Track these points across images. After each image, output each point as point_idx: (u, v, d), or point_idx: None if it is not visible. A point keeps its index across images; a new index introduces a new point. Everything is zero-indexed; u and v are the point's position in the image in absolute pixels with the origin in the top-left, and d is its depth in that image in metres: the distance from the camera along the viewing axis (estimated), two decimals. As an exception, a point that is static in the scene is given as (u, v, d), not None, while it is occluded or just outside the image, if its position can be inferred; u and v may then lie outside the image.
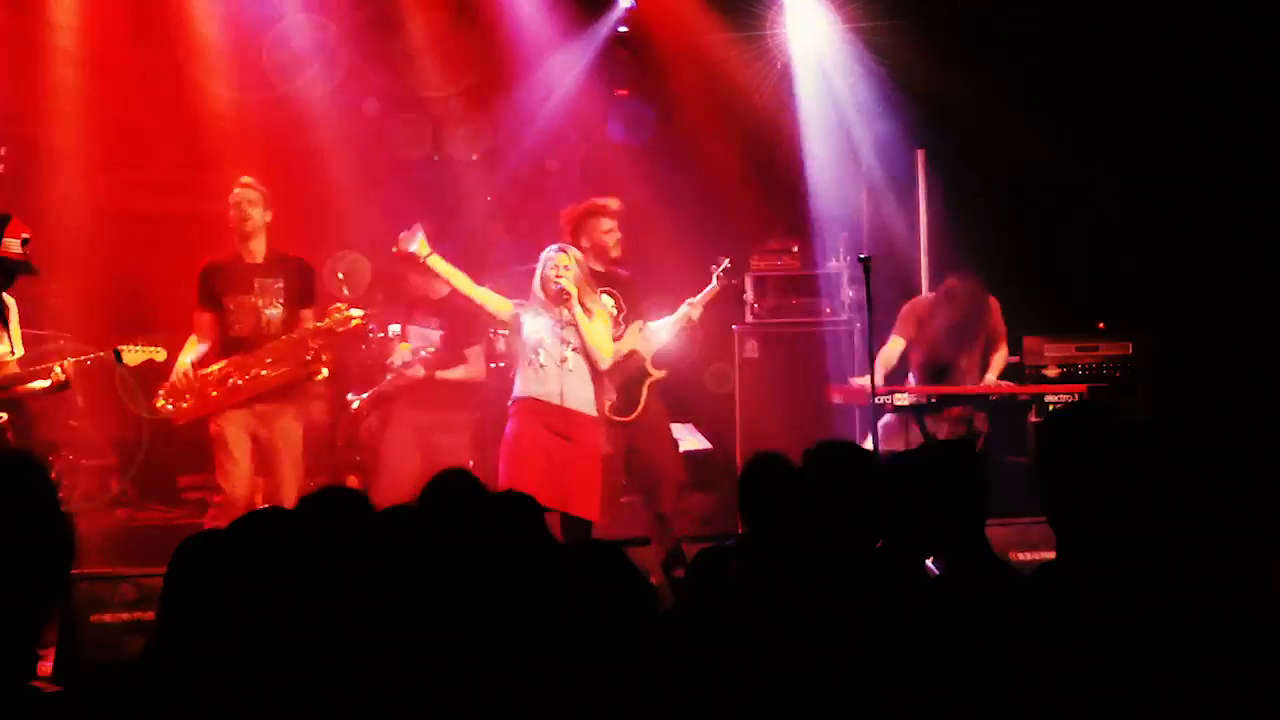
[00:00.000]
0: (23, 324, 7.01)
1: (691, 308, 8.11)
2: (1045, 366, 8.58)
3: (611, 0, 10.44)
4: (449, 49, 10.07)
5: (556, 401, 7.12)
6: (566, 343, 7.17)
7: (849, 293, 9.73)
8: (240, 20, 9.45)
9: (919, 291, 9.21)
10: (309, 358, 7.47)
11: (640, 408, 7.92)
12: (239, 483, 7.42)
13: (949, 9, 9.62)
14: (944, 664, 3.24)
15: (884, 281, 8.25)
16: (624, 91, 10.70)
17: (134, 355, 7.10)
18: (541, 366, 7.14)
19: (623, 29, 10.54)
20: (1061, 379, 8.47)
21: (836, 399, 8.60)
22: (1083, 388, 8.16)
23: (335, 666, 3.01)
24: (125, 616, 6.44)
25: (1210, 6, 9.02)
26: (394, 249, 7.40)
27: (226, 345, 7.47)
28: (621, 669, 2.76)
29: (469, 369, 8.43)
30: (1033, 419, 8.16)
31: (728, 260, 8.32)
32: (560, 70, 10.40)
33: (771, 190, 10.42)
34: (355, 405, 8.81)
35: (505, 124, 10.44)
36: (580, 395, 7.19)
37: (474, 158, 10.60)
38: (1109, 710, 2.88)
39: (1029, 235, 9.39)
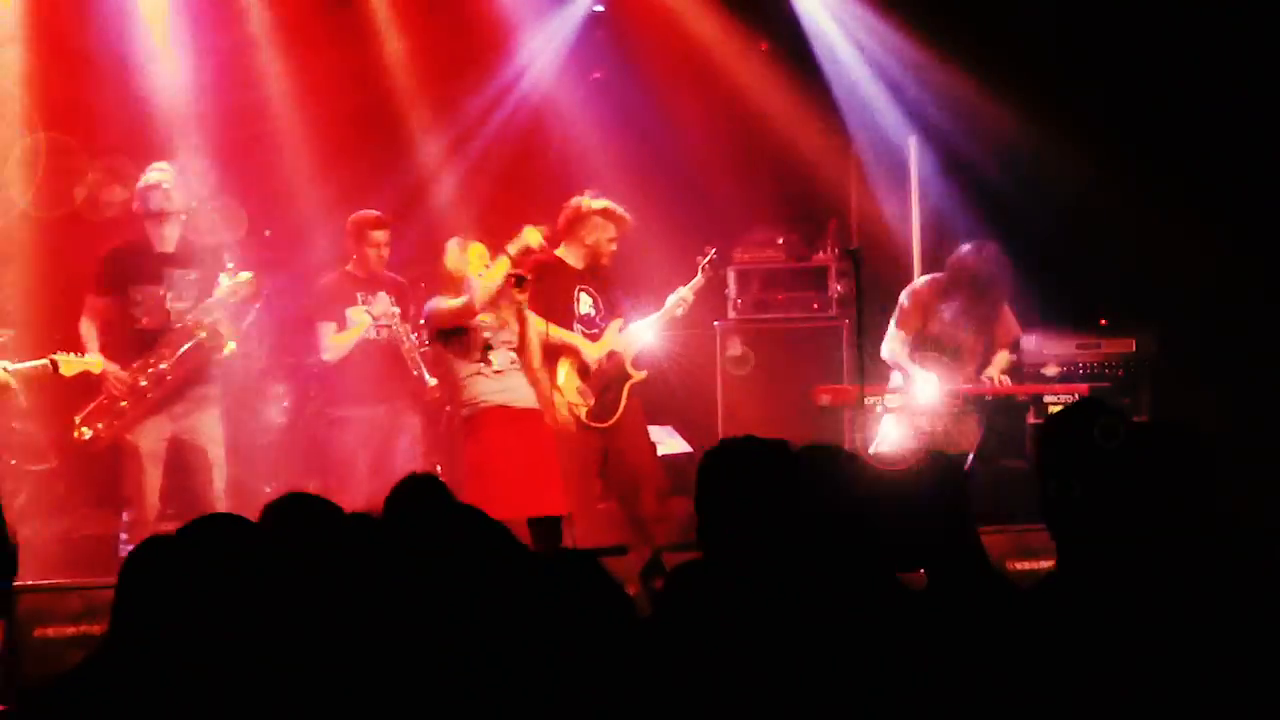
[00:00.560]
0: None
1: (683, 301, 8.10)
2: (1044, 365, 8.57)
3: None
4: (412, 27, 10.05)
5: (520, 404, 7.18)
6: (507, 342, 7.24)
7: (837, 287, 9.75)
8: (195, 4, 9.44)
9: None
10: (203, 332, 7.43)
11: (620, 411, 7.93)
12: (151, 496, 7.42)
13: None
14: (926, 686, 3.24)
15: (875, 275, 8.23)
16: (598, 75, 10.69)
17: (70, 365, 7.11)
18: (497, 371, 7.19)
19: (598, 8, 10.54)
20: (1061, 378, 8.46)
21: (824, 400, 8.62)
22: (1084, 388, 8.14)
23: (297, 682, 3.01)
24: (71, 630, 6.39)
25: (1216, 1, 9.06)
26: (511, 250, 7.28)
27: (129, 339, 7.45)
28: (596, 684, 2.76)
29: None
30: (1031, 420, 8.17)
31: (714, 251, 8.33)
32: (532, 51, 10.40)
33: (755, 178, 10.43)
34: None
35: (473, 108, 10.42)
36: (529, 392, 7.28)
37: (438, 145, 10.58)
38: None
39: (1026, 225, 9.38)
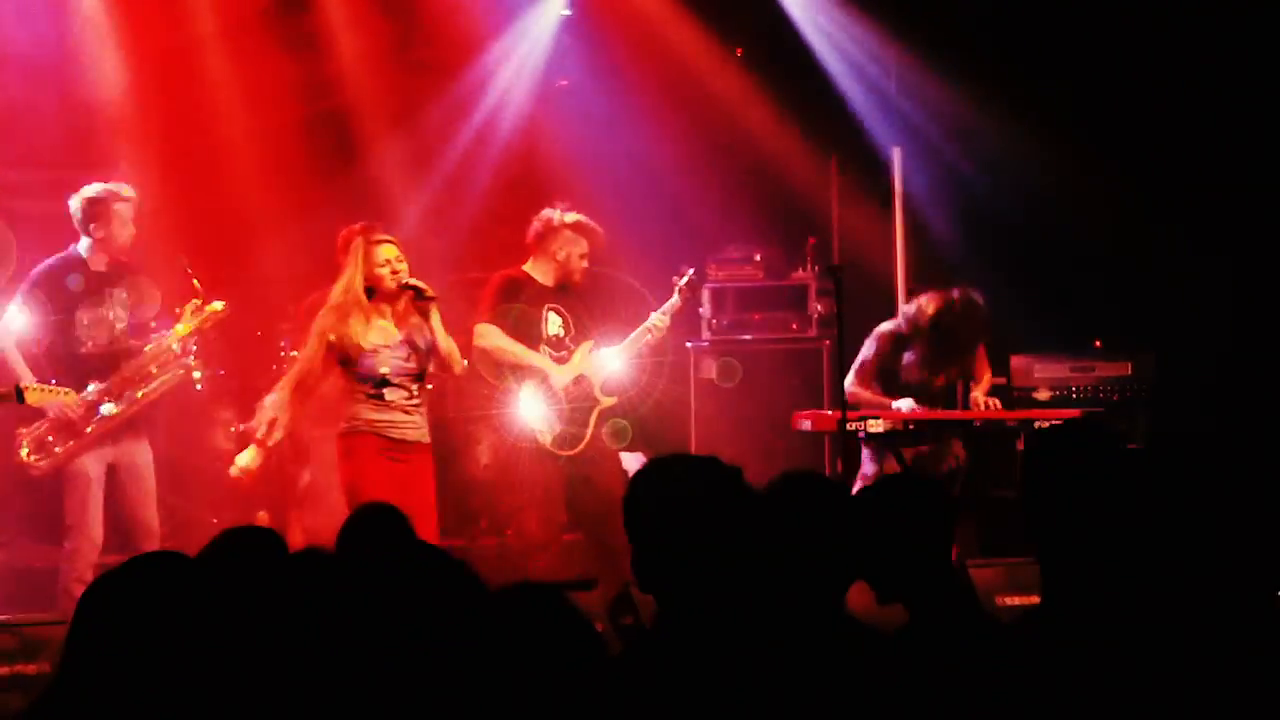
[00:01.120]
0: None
1: (659, 324, 8.05)
2: (1035, 389, 8.59)
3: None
4: (371, 33, 10.06)
5: (396, 436, 7.10)
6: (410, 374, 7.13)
7: (818, 306, 9.77)
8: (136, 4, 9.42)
9: (894, 305, 9.10)
10: (182, 370, 7.55)
11: (587, 439, 7.88)
12: (96, 523, 7.41)
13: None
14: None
15: (857, 294, 8.20)
16: (564, 82, 10.71)
17: (37, 395, 7.05)
18: (386, 402, 7.11)
19: (565, 12, 10.56)
20: (1053, 403, 8.47)
21: (804, 425, 8.61)
22: (1077, 412, 8.13)
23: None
24: (4, 671, 6.37)
25: (1212, 11, 9.11)
26: None
27: (71, 363, 7.41)
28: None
29: None
30: (1020, 447, 8.15)
31: (691, 271, 8.29)
32: (498, 58, 10.42)
33: (731, 190, 10.44)
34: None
35: (435, 118, 10.42)
36: (418, 429, 7.20)
37: (399, 157, 10.58)
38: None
39: (1016, 242, 9.41)
